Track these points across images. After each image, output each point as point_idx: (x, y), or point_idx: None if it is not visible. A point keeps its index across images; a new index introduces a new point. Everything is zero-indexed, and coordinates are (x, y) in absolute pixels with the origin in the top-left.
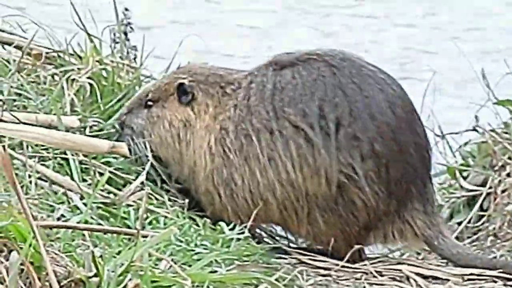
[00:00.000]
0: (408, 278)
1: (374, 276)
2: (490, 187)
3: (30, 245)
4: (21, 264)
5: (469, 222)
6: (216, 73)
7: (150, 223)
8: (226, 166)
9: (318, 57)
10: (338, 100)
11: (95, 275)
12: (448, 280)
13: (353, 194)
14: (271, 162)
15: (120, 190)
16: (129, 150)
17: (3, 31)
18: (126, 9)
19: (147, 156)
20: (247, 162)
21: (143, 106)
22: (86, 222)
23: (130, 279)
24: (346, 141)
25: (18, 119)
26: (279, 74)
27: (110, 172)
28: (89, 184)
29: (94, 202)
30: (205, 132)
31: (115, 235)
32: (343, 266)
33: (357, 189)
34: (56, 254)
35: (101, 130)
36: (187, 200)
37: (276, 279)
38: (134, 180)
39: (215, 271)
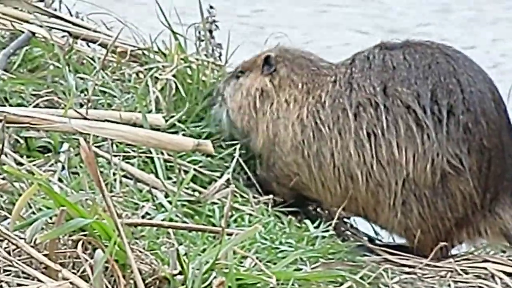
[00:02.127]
0: (493, 276)
1: (459, 274)
2: None
3: (114, 243)
4: (106, 262)
5: None
6: (307, 57)
7: (235, 221)
8: (316, 138)
9: (431, 44)
10: (452, 87)
11: (180, 273)
12: None
13: (455, 187)
14: (371, 137)
15: (205, 188)
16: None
17: (88, 28)
18: (211, 7)
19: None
20: (341, 136)
21: (235, 77)
22: (171, 220)
23: (215, 277)
24: (457, 131)
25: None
26: (389, 53)
27: (195, 169)
28: (174, 182)
29: (179, 200)
30: (293, 105)
31: (200, 233)
32: (428, 264)
33: (459, 182)
34: (140, 252)
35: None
36: (271, 196)
37: (361, 277)
38: (219, 177)
39: (300, 269)
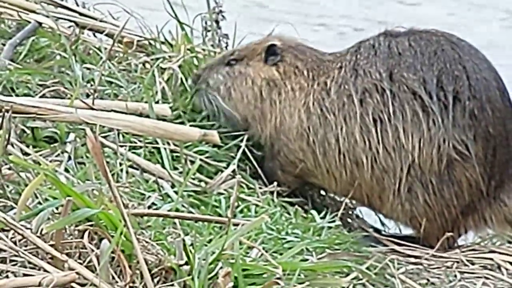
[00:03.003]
0: (499, 266)
1: (465, 265)
2: None
3: (121, 233)
4: (112, 252)
5: None
6: (306, 45)
7: (241, 211)
8: (322, 125)
9: (436, 31)
10: (457, 74)
11: (186, 263)
12: None
13: (461, 173)
14: (377, 123)
15: (211, 178)
16: (203, 105)
17: (94, 18)
18: None
19: (217, 112)
20: (346, 122)
21: (225, 64)
22: (177, 210)
23: (221, 267)
24: (463, 117)
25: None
26: (394, 40)
27: (201, 160)
28: (180, 172)
29: (185, 190)
30: (299, 92)
31: (206, 223)
32: (434, 255)
33: (465, 168)
34: (147, 242)
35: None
36: (275, 183)
37: (367, 268)
38: (225, 168)
39: (306, 260)
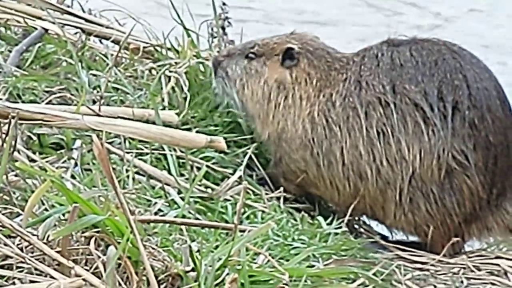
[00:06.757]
0: (506, 272)
1: (472, 271)
2: None
3: (127, 240)
4: (119, 258)
5: None
6: (325, 48)
7: (247, 217)
8: (327, 136)
9: (438, 40)
10: (457, 83)
11: (193, 270)
12: None
13: (461, 182)
14: (380, 135)
15: (217, 184)
16: (219, 92)
17: (100, 25)
18: (224, 3)
19: (230, 102)
20: (350, 134)
21: (244, 56)
22: (183, 216)
23: (227, 274)
24: (462, 127)
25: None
26: (396, 50)
27: (208, 166)
28: (187, 179)
29: (192, 197)
30: (305, 102)
31: (212, 229)
32: (440, 261)
33: (466, 177)
34: (153, 248)
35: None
36: (282, 189)
37: (373, 274)
38: (232, 174)
39: (313, 266)
